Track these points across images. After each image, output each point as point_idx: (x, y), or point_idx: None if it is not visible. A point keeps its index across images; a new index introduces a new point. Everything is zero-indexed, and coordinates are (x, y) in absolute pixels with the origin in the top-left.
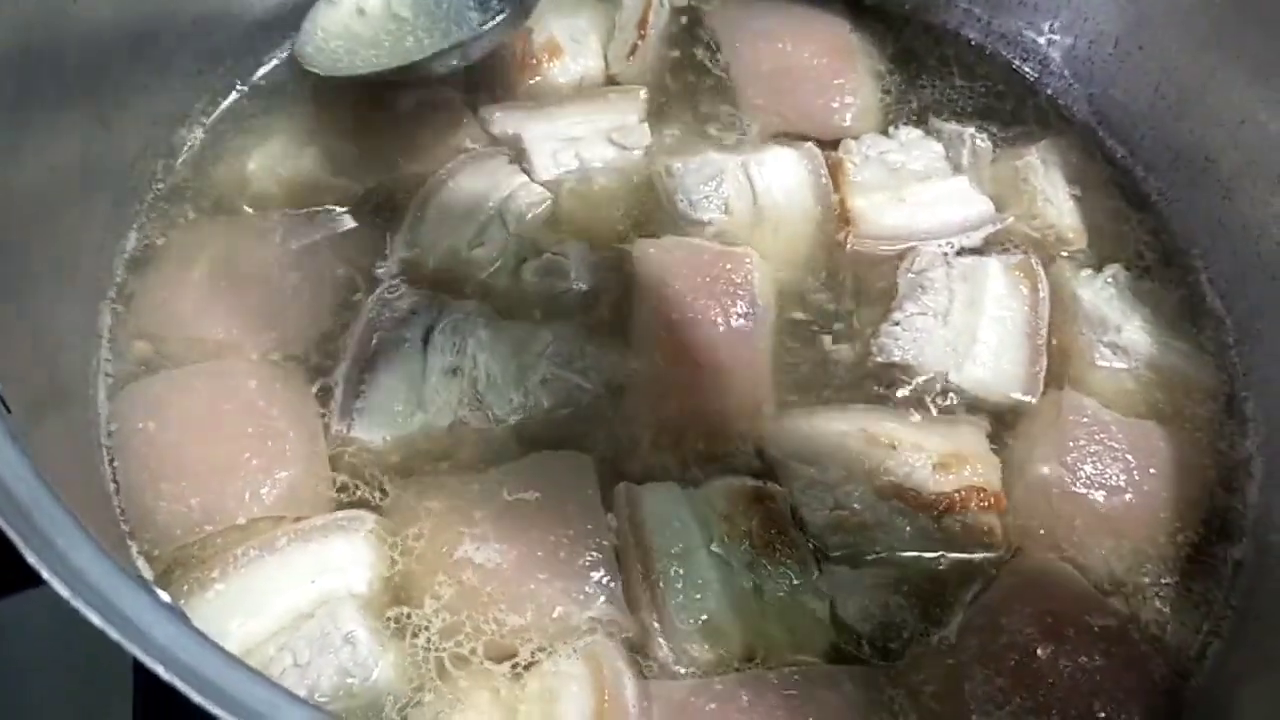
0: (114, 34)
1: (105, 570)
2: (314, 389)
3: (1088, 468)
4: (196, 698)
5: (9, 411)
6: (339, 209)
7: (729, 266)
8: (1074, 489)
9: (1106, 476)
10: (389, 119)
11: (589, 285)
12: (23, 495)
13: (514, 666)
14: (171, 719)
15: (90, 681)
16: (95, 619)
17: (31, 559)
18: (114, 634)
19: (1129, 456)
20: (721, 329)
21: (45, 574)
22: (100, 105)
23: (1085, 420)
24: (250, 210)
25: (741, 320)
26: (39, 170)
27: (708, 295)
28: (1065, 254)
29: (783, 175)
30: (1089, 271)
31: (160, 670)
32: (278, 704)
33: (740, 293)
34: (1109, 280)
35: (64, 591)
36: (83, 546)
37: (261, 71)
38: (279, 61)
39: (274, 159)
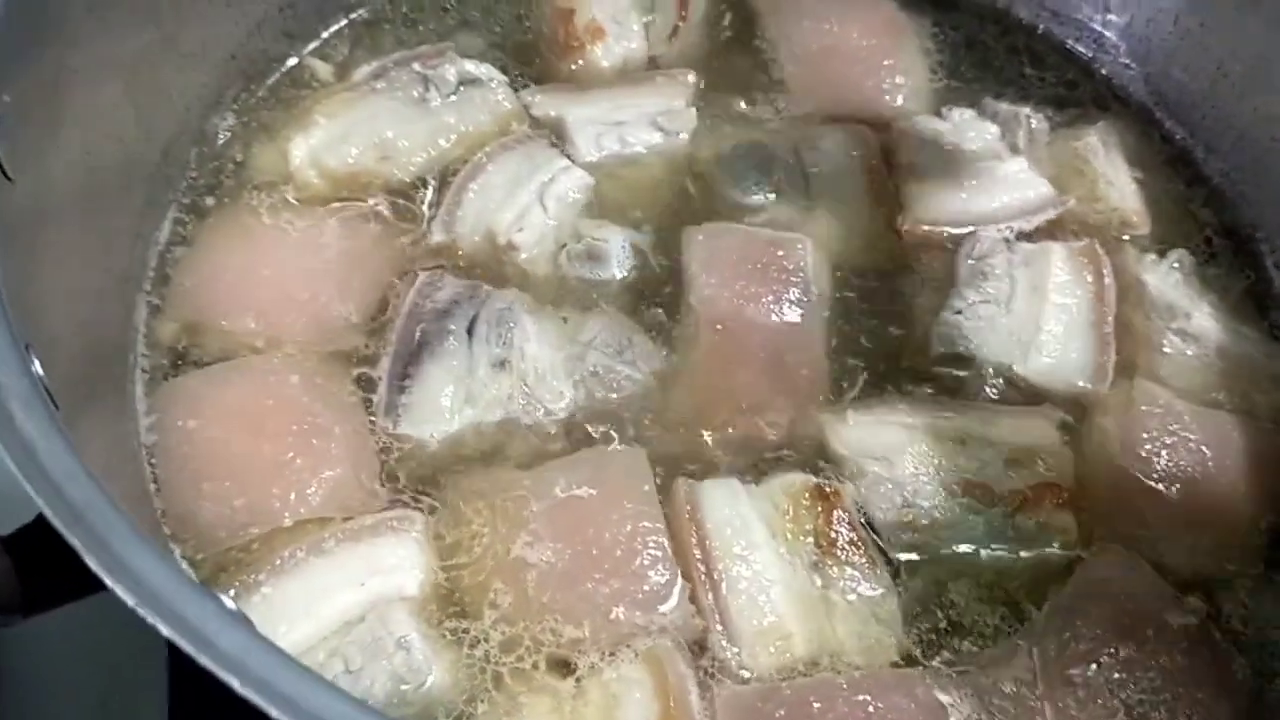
0: (144, 19)
1: (166, 576)
2: (358, 385)
3: (1163, 460)
4: (273, 712)
5: (57, 408)
6: (381, 197)
7: (781, 253)
8: (1149, 483)
9: (1182, 469)
10: (430, 103)
11: (632, 272)
12: (76, 497)
13: (577, 681)
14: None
15: (121, 693)
16: (163, 628)
17: (92, 564)
18: (183, 643)
19: (1204, 448)
20: (775, 317)
21: (109, 581)
22: (131, 91)
23: (1159, 411)
24: (290, 199)
25: (796, 308)
26: (75, 156)
27: (760, 282)
28: (1128, 238)
29: (834, 159)
30: (1154, 256)
31: (235, 683)
32: (349, 714)
33: (794, 279)
34: (1175, 265)
35: (129, 599)
36: (140, 551)
37: (295, 59)
38: (314, 46)
39: (314, 146)
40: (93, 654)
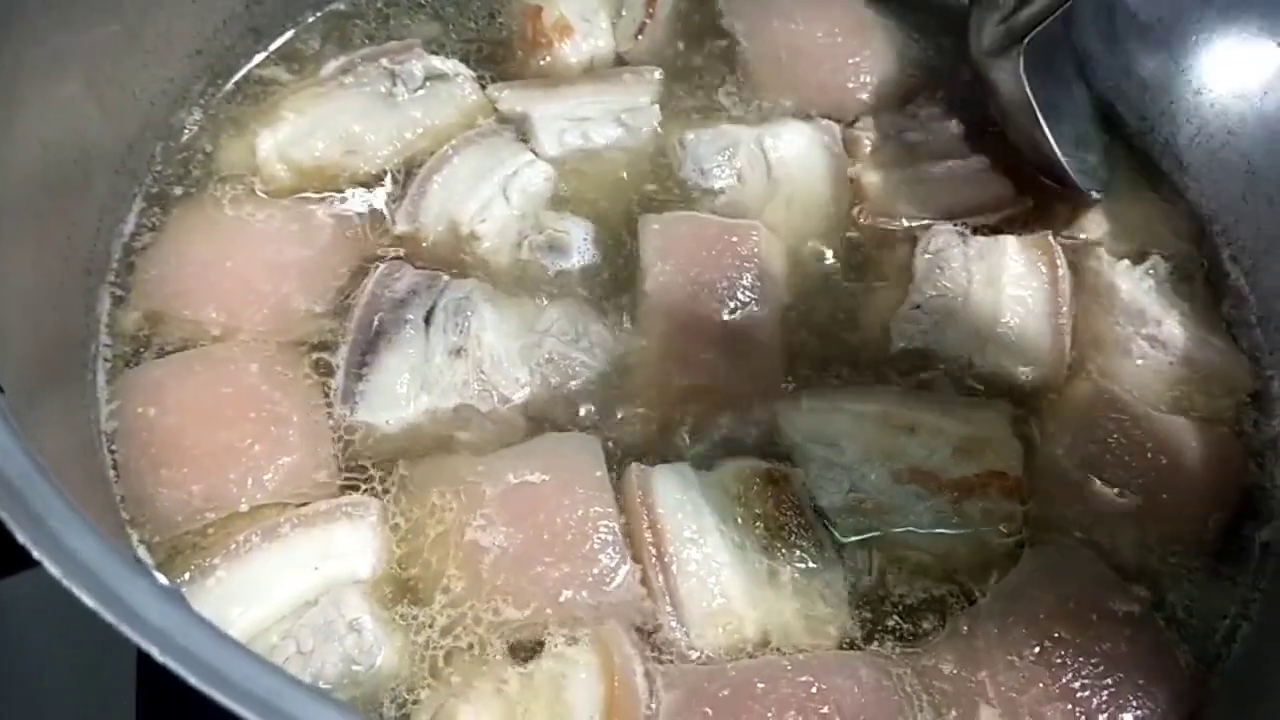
0: (105, 14)
1: (99, 551)
2: (316, 373)
3: (1115, 461)
4: (193, 680)
5: (2, 391)
6: (346, 189)
7: (735, 239)
8: (1100, 481)
9: (1134, 470)
10: (397, 98)
11: (591, 262)
12: (13, 474)
13: (526, 661)
14: (174, 702)
15: (93, 663)
16: (89, 600)
17: (22, 538)
18: (108, 615)
19: (1160, 454)
20: (729, 303)
21: (36, 554)
22: (92, 85)
23: (1115, 413)
24: (255, 192)
25: (749, 294)
26: (33, 149)
27: (714, 268)
28: (1083, 236)
29: (797, 148)
30: (1128, 263)
31: (155, 652)
32: (279, 689)
33: (747, 265)
34: (1149, 272)
35: (56, 571)
36: (76, 527)
37: (262, 54)
38: (280, 42)
39: (281, 140)
40: (65, 622)
